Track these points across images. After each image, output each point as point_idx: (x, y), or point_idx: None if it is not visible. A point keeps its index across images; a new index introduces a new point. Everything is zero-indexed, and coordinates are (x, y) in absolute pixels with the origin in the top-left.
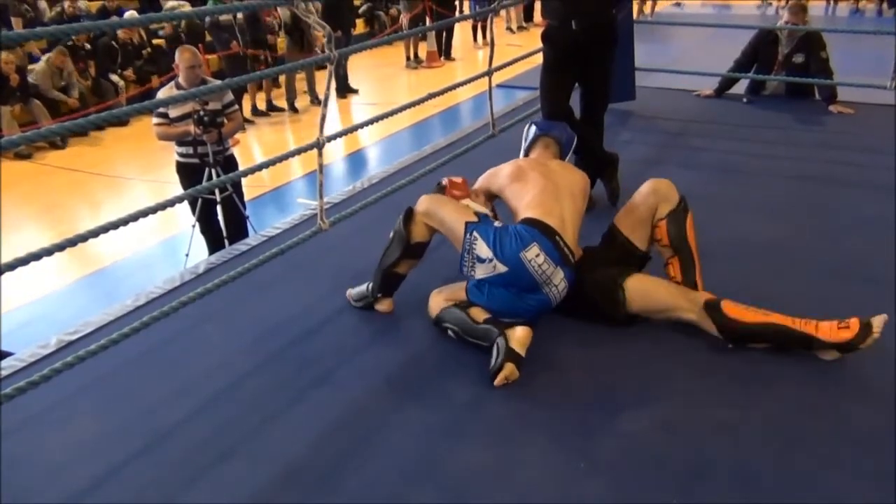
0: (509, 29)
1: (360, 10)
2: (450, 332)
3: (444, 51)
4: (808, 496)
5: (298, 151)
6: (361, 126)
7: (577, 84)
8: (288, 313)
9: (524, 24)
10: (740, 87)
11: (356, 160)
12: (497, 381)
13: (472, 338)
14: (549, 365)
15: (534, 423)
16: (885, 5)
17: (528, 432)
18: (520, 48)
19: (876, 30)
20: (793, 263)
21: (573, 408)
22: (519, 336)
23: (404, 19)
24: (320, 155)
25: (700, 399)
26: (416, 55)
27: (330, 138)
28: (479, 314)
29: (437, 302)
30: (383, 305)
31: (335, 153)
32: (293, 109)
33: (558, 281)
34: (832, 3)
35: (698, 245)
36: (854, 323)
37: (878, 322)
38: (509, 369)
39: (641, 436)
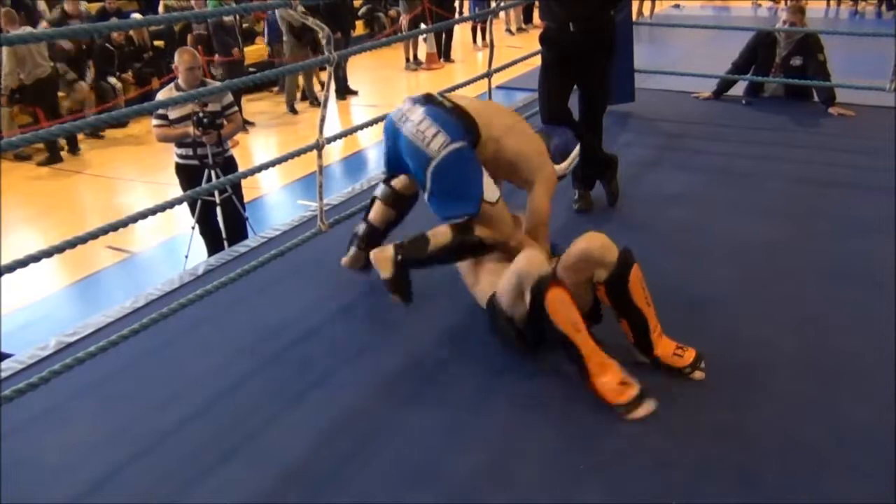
0: (509, 31)
1: (360, 12)
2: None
3: (444, 52)
4: (808, 497)
5: (298, 153)
6: (361, 127)
7: (576, 86)
8: (287, 315)
9: (523, 26)
10: (739, 89)
11: (356, 162)
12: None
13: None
14: (547, 366)
15: (534, 425)
16: (884, 7)
17: (529, 434)
18: (519, 50)
19: (875, 31)
20: (792, 265)
21: (573, 409)
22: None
23: (404, 21)
24: (320, 156)
25: (700, 400)
26: (415, 57)
27: (329, 140)
28: None
29: None
30: (347, 256)
31: (335, 155)
32: (292, 111)
33: (415, 116)
34: (834, 4)
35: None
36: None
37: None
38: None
39: (641, 437)
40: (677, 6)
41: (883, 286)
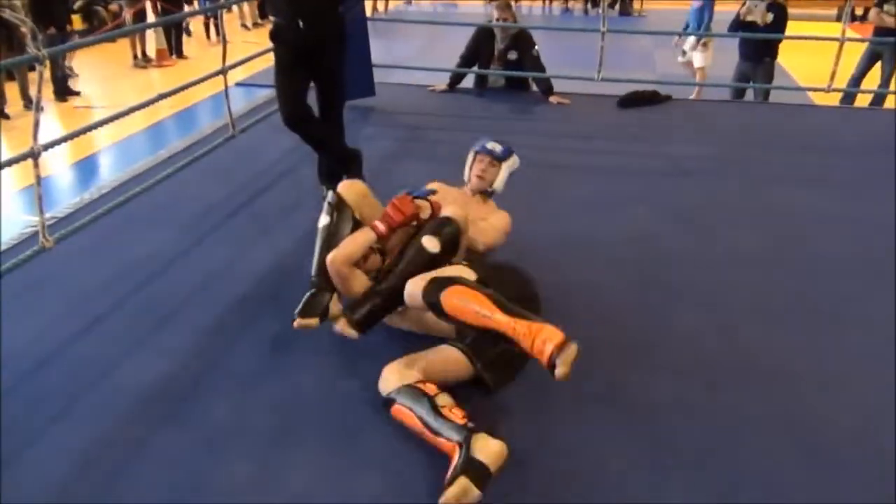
0: (244, 26)
1: (77, 5)
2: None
3: (175, 48)
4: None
5: (9, 162)
6: (85, 131)
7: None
8: (9, 348)
9: (259, 21)
10: (471, 81)
11: (84, 169)
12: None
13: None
14: (302, 368)
15: (299, 429)
16: (589, 5)
17: (296, 437)
18: (257, 45)
19: (583, 27)
20: (524, 240)
21: (339, 409)
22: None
23: (127, 15)
24: (36, 165)
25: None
26: (143, 53)
27: (47, 146)
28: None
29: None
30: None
31: (59, 163)
32: (4, 116)
33: None
34: (549, 3)
35: None
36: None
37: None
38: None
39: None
40: (409, 3)
41: (607, 260)
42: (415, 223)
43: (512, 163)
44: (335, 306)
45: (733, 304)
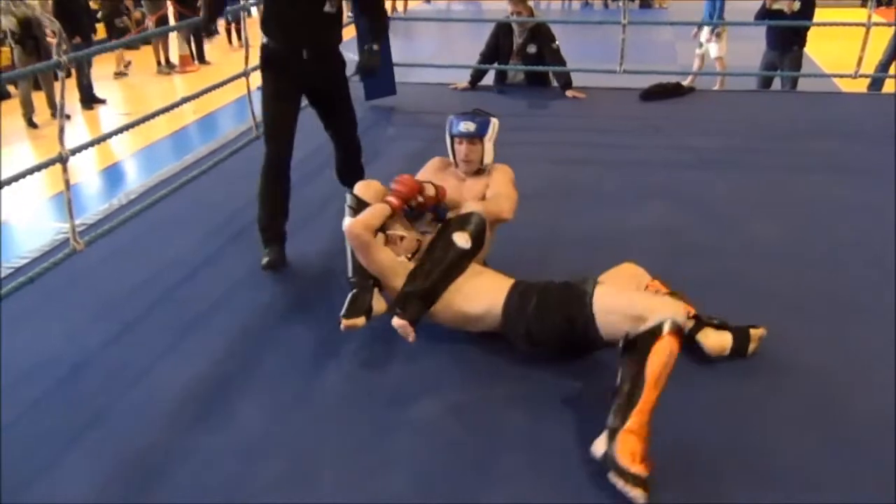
0: None
1: (99, 16)
2: None
3: (197, 54)
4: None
5: (38, 168)
6: (111, 135)
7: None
8: (44, 354)
9: None
10: (491, 78)
11: (113, 175)
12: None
13: None
14: (340, 372)
15: (328, 429)
16: None
17: (325, 437)
18: None
19: (602, 20)
20: (556, 236)
21: (368, 409)
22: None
23: (150, 22)
24: (65, 170)
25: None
26: (167, 60)
27: (74, 151)
28: None
29: None
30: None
31: (87, 169)
32: (31, 125)
33: None
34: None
35: None
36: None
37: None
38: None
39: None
40: (428, 1)
41: (630, 254)
42: (420, 198)
43: (492, 133)
44: (378, 303)
45: (756, 295)
